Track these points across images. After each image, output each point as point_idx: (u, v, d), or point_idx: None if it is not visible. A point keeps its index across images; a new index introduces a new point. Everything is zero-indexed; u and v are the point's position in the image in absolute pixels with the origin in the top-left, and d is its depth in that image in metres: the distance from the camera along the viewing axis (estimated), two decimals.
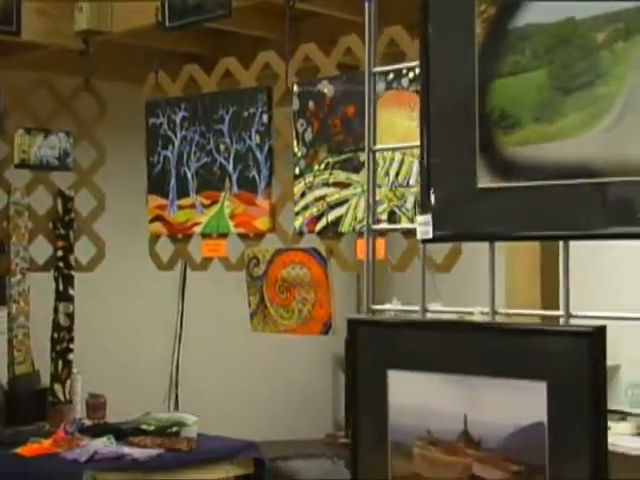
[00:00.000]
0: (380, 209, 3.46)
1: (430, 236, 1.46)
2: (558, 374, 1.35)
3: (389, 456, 1.51)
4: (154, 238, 4.30)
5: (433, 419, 1.46)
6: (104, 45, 4.43)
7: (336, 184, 3.65)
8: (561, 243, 1.43)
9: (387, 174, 3.44)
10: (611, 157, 1.30)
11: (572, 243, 1.42)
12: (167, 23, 4.03)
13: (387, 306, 1.65)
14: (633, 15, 1.27)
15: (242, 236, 3.99)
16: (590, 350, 1.32)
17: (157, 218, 4.25)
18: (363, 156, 3.63)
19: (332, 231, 3.68)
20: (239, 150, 3.95)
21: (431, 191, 1.46)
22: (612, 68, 1.30)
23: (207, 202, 4.06)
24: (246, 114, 3.93)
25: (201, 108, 4.08)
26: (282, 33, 3.92)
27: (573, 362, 1.33)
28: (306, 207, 3.75)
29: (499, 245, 1.47)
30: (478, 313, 1.47)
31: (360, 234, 3.55)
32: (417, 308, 1.56)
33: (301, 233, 3.79)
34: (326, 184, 3.69)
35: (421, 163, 1.49)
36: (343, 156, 3.62)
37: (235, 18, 3.95)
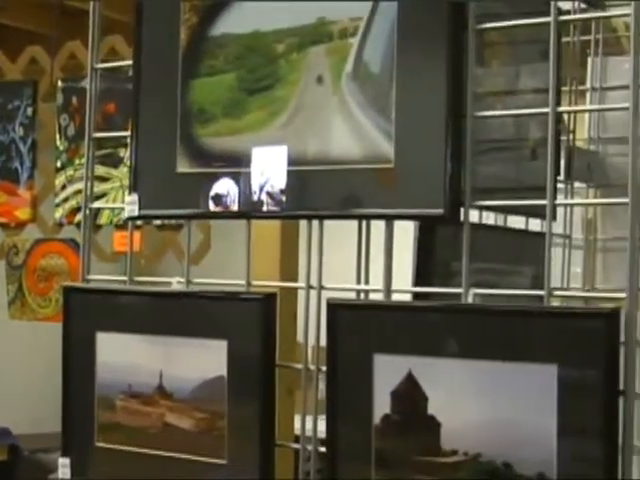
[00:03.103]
0: None
1: (136, 214, 1.67)
2: (237, 334, 1.58)
3: (95, 409, 1.70)
4: None
5: (134, 375, 1.67)
6: None
7: (96, 178, 3.76)
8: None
9: None
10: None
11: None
12: None
13: (99, 276, 1.83)
14: (305, 31, 1.52)
15: (3, 225, 4.05)
16: (262, 314, 1.56)
17: None
18: (123, 151, 3.80)
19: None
20: (2, 141, 4.01)
21: (138, 174, 1.67)
22: (288, 75, 1.54)
23: None
24: (11, 106, 4.00)
25: None
26: (53, 28, 4.02)
27: (248, 324, 1.57)
28: (66, 199, 3.86)
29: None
30: (175, 283, 1.69)
31: (117, 227, 3.70)
32: (125, 278, 1.75)
33: (61, 224, 3.90)
34: None
35: (130, 149, 1.70)
36: (103, 151, 3.75)
37: (7, 10, 4.02)
